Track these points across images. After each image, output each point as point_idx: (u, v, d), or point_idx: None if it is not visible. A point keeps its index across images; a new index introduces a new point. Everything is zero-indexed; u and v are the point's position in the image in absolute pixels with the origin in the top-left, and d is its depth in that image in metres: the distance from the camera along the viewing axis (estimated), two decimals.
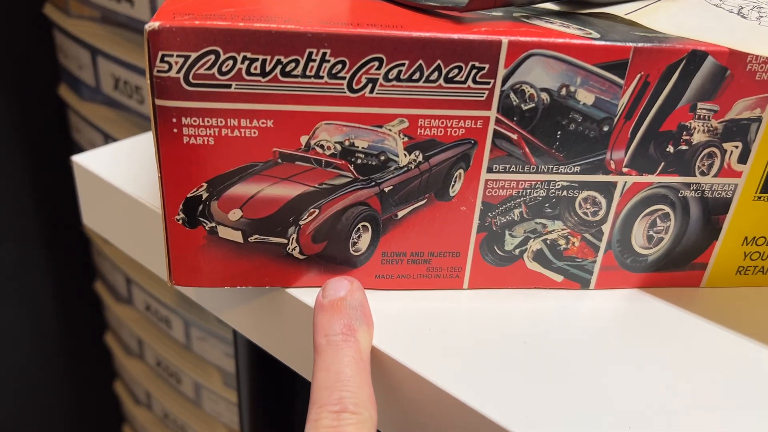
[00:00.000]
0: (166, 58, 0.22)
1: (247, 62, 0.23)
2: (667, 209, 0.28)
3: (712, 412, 0.24)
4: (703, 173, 0.27)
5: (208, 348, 0.63)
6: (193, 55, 0.22)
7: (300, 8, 0.25)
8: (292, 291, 0.28)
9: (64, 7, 0.60)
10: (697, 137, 0.26)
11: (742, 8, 0.28)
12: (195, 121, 0.24)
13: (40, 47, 0.69)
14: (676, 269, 0.29)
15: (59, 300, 0.85)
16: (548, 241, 0.28)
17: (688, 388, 0.25)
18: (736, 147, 0.27)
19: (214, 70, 0.23)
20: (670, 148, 0.26)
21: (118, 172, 0.35)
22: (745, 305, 0.29)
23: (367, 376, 0.24)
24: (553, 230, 0.28)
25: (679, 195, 0.27)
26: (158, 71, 0.23)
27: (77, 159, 0.36)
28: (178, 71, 0.23)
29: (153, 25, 0.22)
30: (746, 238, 0.29)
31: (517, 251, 0.28)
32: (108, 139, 0.61)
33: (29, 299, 0.82)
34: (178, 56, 0.22)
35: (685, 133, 0.26)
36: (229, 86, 0.23)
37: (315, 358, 0.24)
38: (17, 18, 0.67)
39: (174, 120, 0.23)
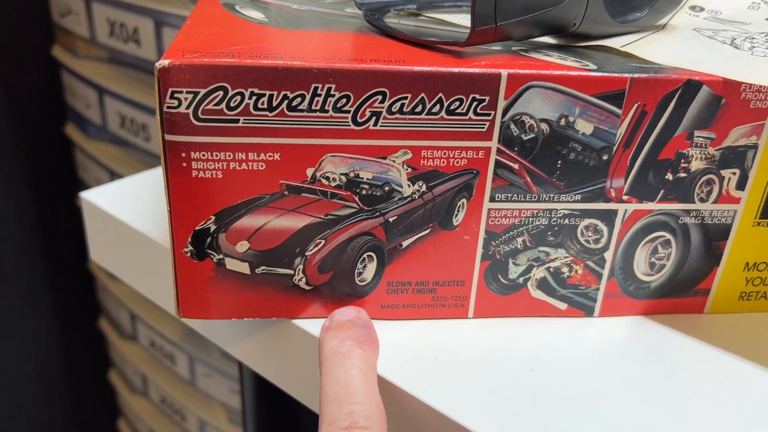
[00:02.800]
0: (176, 95, 0.23)
1: (254, 98, 0.23)
2: (668, 236, 0.28)
3: None
4: (702, 200, 0.28)
5: (213, 384, 0.63)
6: (202, 92, 0.23)
7: (305, 45, 0.26)
8: (298, 322, 0.28)
9: (73, 48, 0.61)
10: (695, 164, 0.27)
11: (735, 39, 0.29)
12: (204, 155, 0.24)
13: (48, 87, 0.70)
14: (679, 296, 0.30)
15: (63, 337, 0.85)
16: (552, 269, 0.28)
17: (693, 415, 0.25)
18: (734, 173, 0.27)
19: (223, 105, 0.23)
20: (669, 176, 0.27)
21: (126, 208, 0.35)
22: (749, 331, 0.29)
23: (375, 387, 0.24)
24: (556, 258, 0.28)
25: (680, 222, 0.28)
26: (168, 107, 0.23)
27: (85, 195, 0.37)
28: (188, 107, 0.23)
29: (163, 63, 0.23)
30: (747, 263, 0.29)
31: (521, 279, 0.28)
32: (114, 176, 0.61)
33: (33, 336, 0.82)
34: (187, 92, 0.23)
35: (683, 160, 0.27)
36: (237, 121, 0.24)
37: (322, 369, 0.24)
38: (26, 58, 0.69)
39: (183, 154, 0.24)
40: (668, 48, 0.28)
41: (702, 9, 0.33)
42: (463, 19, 0.32)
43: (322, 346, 0.25)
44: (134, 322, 0.70)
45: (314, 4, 0.33)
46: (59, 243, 0.79)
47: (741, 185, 0.27)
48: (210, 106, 0.23)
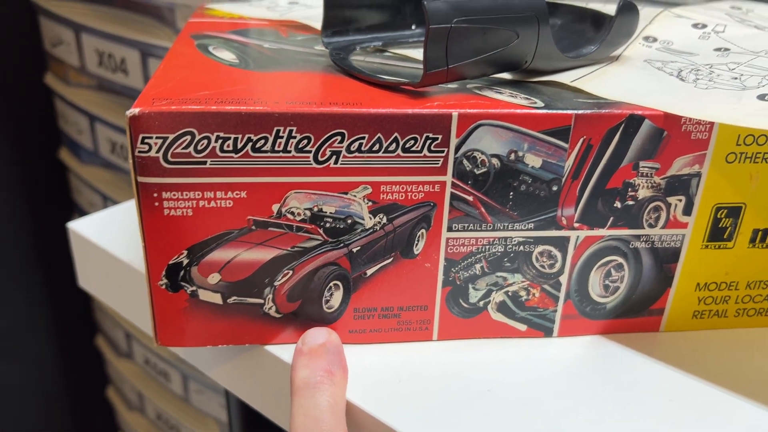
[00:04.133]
0: (146, 140, 0.25)
1: (220, 141, 0.25)
2: (620, 260, 0.30)
3: None
4: (651, 225, 0.29)
5: (206, 400, 0.64)
6: (171, 137, 0.25)
7: (270, 88, 0.27)
8: (270, 348, 0.29)
9: (64, 76, 0.63)
10: (642, 193, 0.28)
11: (681, 71, 0.31)
12: (174, 194, 0.26)
13: (41, 114, 0.72)
14: (635, 315, 0.31)
15: (62, 356, 0.87)
16: (510, 293, 0.30)
17: (643, 431, 0.26)
18: (680, 200, 0.29)
19: (191, 148, 0.25)
20: (618, 204, 0.28)
21: (111, 238, 0.37)
22: (702, 348, 0.31)
23: (343, 421, 0.25)
24: (514, 282, 0.29)
25: (630, 246, 0.29)
26: (139, 152, 0.25)
27: (72, 226, 0.38)
28: (158, 151, 0.25)
29: (133, 111, 0.24)
30: (698, 284, 0.31)
31: (482, 303, 0.30)
32: (107, 200, 0.63)
33: (33, 356, 0.84)
34: (157, 138, 0.25)
35: (630, 189, 0.28)
36: (205, 163, 0.25)
37: (293, 400, 0.26)
38: (20, 86, 0.71)
39: (155, 194, 0.26)
40: (616, 82, 0.30)
41: (655, 39, 0.34)
42: None
43: (294, 373, 0.27)
44: (129, 341, 0.72)
45: (286, 42, 0.35)
46: (56, 264, 0.81)
47: (687, 211, 0.29)
48: (178, 150, 0.25)
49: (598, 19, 0.34)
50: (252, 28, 0.37)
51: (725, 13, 0.38)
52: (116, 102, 0.58)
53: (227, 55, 0.31)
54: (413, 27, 0.36)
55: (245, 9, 0.41)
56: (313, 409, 0.25)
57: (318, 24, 0.37)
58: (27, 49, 0.69)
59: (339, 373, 0.27)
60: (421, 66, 0.32)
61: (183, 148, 0.25)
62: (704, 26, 0.35)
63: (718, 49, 0.32)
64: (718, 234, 0.30)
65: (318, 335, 0.28)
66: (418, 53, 0.34)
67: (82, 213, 0.71)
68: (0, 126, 0.70)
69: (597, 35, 0.32)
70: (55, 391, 0.88)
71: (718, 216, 0.29)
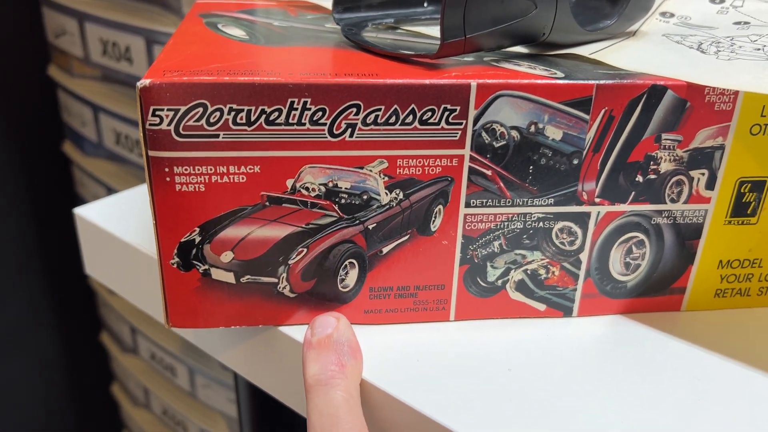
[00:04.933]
0: (157, 112, 0.24)
1: (233, 113, 0.24)
2: (641, 236, 0.29)
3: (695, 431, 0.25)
4: (673, 200, 0.28)
5: (213, 395, 0.64)
6: (183, 109, 0.24)
7: (283, 61, 0.26)
8: (284, 329, 0.29)
9: (68, 67, 0.62)
10: (665, 166, 0.28)
11: (702, 44, 0.30)
12: (186, 169, 0.25)
13: (45, 106, 0.72)
14: (656, 294, 0.30)
15: (66, 352, 0.86)
16: (529, 272, 0.29)
17: (671, 411, 0.25)
18: (703, 174, 0.28)
19: (203, 121, 0.24)
20: (639, 178, 0.28)
21: (118, 223, 0.36)
22: (725, 327, 0.30)
23: (359, 413, 0.24)
24: (533, 260, 0.29)
25: (652, 222, 0.29)
26: (150, 125, 0.24)
27: (79, 211, 0.37)
28: (169, 124, 0.24)
29: (144, 82, 0.24)
30: (721, 261, 0.30)
31: (500, 282, 0.29)
32: (111, 192, 0.62)
33: (38, 352, 0.83)
34: (168, 110, 0.24)
35: (652, 162, 0.27)
36: (217, 136, 0.25)
37: (307, 399, 0.25)
38: (23, 79, 0.70)
39: (166, 169, 0.25)
40: (636, 54, 0.29)
41: (672, 15, 0.34)
42: (439, 32, 0.32)
43: (305, 369, 0.26)
44: (134, 336, 0.71)
45: (296, 20, 0.34)
46: (60, 259, 0.80)
47: (710, 185, 0.28)
48: (190, 123, 0.24)
49: None
50: (259, 8, 0.36)
51: None
52: (121, 92, 0.57)
53: (237, 32, 0.31)
54: (425, 5, 0.35)
55: None
56: (327, 406, 0.24)
57: (327, 4, 0.37)
58: (30, 41, 0.69)
59: (350, 363, 0.26)
60: (435, 42, 0.31)
61: (195, 121, 0.24)
62: (722, 1, 0.34)
63: (738, 23, 0.32)
64: (741, 209, 0.29)
65: (326, 324, 0.27)
66: (431, 30, 0.33)
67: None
68: (3, 119, 0.70)
69: (614, 10, 0.32)
70: (60, 387, 0.87)
71: (742, 191, 0.29)
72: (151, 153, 0.25)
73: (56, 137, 0.74)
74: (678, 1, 0.35)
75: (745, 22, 0.32)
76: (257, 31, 0.31)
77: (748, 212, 0.29)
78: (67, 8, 0.57)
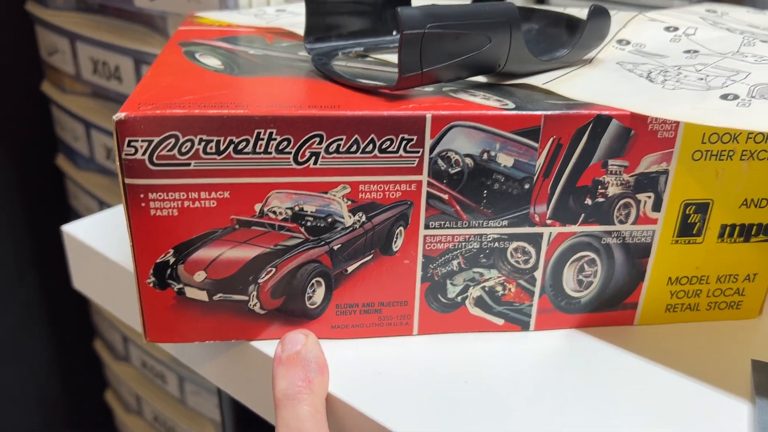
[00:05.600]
0: (132, 143, 0.26)
1: (203, 143, 0.26)
2: (592, 255, 0.31)
3: None
4: (621, 222, 0.30)
5: (202, 402, 0.65)
6: (156, 140, 0.26)
7: (253, 92, 0.28)
8: (255, 344, 0.30)
9: (60, 84, 0.64)
10: (612, 190, 0.29)
11: (651, 72, 0.32)
12: (160, 195, 0.27)
13: (39, 121, 0.74)
14: (609, 309, 0.32)
15: (60, 360, 0.88)
16: (487, 288, 0.31)
17: (622, 422, 0.27)
18: (649, 197, 0.30)
19: (175, 151, 0.26)
20: (588, 201, 0.29)
21: (103, 240, 0.38)
22: (674, 340, 0.32)
23: (325, 427, 0.26)
24: (490, 278, 0.30)
25: (602, 242, 0.30)
26: (126, 154, 0.26)
27: (66, 228, 0.39)
28: (143, 153, 0.26)
29: (120, 115, 0.25)
30: (670, 278, 0.32)
31: (459, 298, 0.31)
32: (102, 204, 0.64)
33: (31, 361, 0.85)
34: (142, 141, 0.26)
35: (600, 186, 0.29)
36: (189, 164, 0.26)
37: (276, 413, 0.27)
38: (18, 95, 0.72)
39: (142, 195, 0.27)
40: (587, 83, 0.31)
41: (628, 42, 0.36)
42: None
43: (274, 384, 0.28)
44: (126, 344, 0.73)
45: (271, 48, 0.36)
46: (54, 269, 0.82)
47: (657, 207, 0.30)
48: (163, 152, 0.26)
49: (572, 24, 0.35)
50: (239, 35, 0.38)
51: (699, 16, 0.39)
52: (111, 109, 0.59)
53: (213, 62, 0.32)
54: (394, 33, 0.37)
55: (234, 17, 0.42)
56: (294, 420, 0.26)
57: (303, 31, 0.38)
58: (24, 58, 0.71)
59: (317, 379, 0.28)
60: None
61: (168, 151, 0.26)
62: (676, 29, 0.36)
63: (688, 51, 0.34)
64: (687, 229, 0.31)
65: (295, 341, 0.29)
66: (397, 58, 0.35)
67: (79, 218, 0.72)
68: None
69: (570, 39, 0.34)
70: (54, 395, 0.89)
71: (687, 212, 0.30)
72: (127, 180, 0.26)
73: (50, 151, 0.76)
74: (635, 29, 0.37)
75: (695, 51, 0.34)
76: (232, 60, 0.33)
77: (694, 232, 0.31)
78: (59, 28, 0.59)
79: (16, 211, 0.76)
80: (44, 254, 0.81)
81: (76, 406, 0.91)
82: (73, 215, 0.75)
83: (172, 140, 0.26)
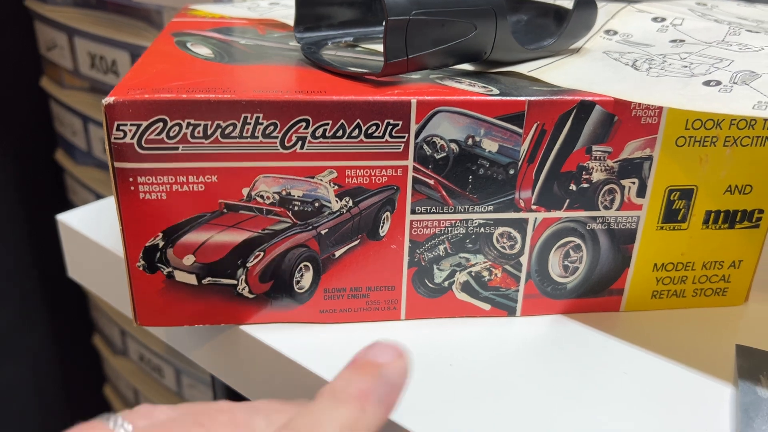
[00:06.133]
0: (121, 127, 0.26)
1: (191, 127, 0.27)
2: (577, 241, 0.31)
3: (628, 425, 0.27)
4: (606, 207, 0.30)
5: (198, 394, 0.66)
6: (144, 124, 0.26)
7: (241, 78, 0.29)
8: (244, 328, 0.31)
9: (59, 79, 0.64)
10: (596, 176, 0.30)
11: (636, 61, 0.32)
12: (149, 179, 0.27)
13: (38, 116, 0.74)
14: (595, 295, 0.32)
15: (59, 355, 0.88)
16: (473, 273, 0.31)
17: (595, 403, 0.27)
18: (633, 183, 0.30)
19: (163, 135, 0.27)
20: (573, 187, 0.30)
21: (97, 228, 0.38)
22: (659, 326, 0.32)
23: None
24: (476, 263, 0.31)
25: (587, 228, 0.31)
26: (115, 138, 0.26)
27: (61, 217, 0.40)
28: (132, 137, 0.26)
29: (108, 99, 0.26)
30: (656, 264, 0.32)
31: (446, 283, 0.31)
32: (100, 198, 0.65)
33: (31, 355, 0.85)
34: (131, 125, 0.26)
35: (584, 172, 0.29)
36: (177, 148, 0.27)
37: (305, 407, 0.21)
38: (17, 90, 0.73)
39: (131, 179, 0.27)
40: (572, 71, 0.31)
41: (616, 32, 0.36)
42: None
43: (330, 383, 0.22)
44: (124, 338, 0.74)
45: (262, 39, 0.36)
46: (53, 264, 0.82)
47: (641, 193, 0.30)
48: (152, 136, 0.27)
49: (559, 14, 0.35)
50: (232, 26, 0.38)
51: (688, 8, 0.40)
52: None
53: (204, 51, 0.33)
54: (383, 23, 0.37)
55: (227, 9, 0.43)
56: (316, 426, 0.20)
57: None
58: (23, 54, 0.71)
59: (376, 408, 0.21)
60: None
61: (156, 135, 0.27)
62: (663, 20, 0.36)
63: (674, 41, 0.34)
64: (672, 216, 0.31)
65: (385, 351, 0.22)
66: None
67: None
68: None
69: (557, 29, 0.34)
70: (54, 389, 0.89)
71: (671, 198, 0.31)
72: (117, 164, 0.27)
73: (49, 146, 0.76)
74: (622, 19, 0.37)
75: (681, 40, 0.34)
76: (223, 49, 0.33)
77: (679, 218, 0.31)
78: (57, 23, 0.60)
79: (15, 206, 0.77)
80: (43, 249, 0.82)
81: (75, 400, 0.92)
82: (71, 209, 0.76)
83: (161, 124, 0.26)
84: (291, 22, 0.39)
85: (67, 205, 0.78)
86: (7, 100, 0.72)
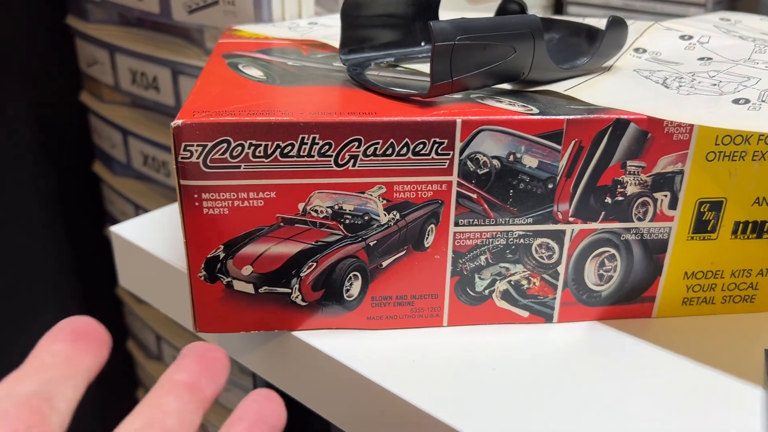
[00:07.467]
0: (188, 148, 0.28)
1: (252, 147, 0.29)
2: (612, 251, 0.33)
3: (659, 426, 0.28)
4: (639, 219, 0.32)
5: (232, 398, 0.68)
6: (209, 144, 0.28)
7: (295, 100, 0.31)
8: (297, 334, 0.33)
9: (99, 94, 0.67)
10: (630, 189, 0.31)
11: (666, 79, 0.34)
12: (212, 195, 0.29)
13: (77, 129, 0.77)
14: (628, 302, 0.34)
15: None
16: (512, 282, 0.33)
17: (640, 407, 0.29)
18: (666, 196, 0.32)
19: (227, 155, 0.29)
20: (608, 200, 0.31)
21: (149, 239, 0.40)
22: (691, 332, 0.34)
23: None
24: (516, 272, 0.33)
25: (621, 238, 0.32)
26: (182, 158, 0.28)
27: (114, 229, 0.42)
28: (198, 157, 0.28)
29: (177, 122, 0.28)
30: (686, 272, 0.34)
31: (487, 292, 0.33)
32: (138, 209, 0.67)
33: None
34: (197, 146, 0.28)
35: (619, 186, 0.31)
36: (239, 167, 0.29)
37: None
38: (58, 104, 0.75)
39: (196, 196, 0.29)
40: (606, 90, 0.33)
41: (645, 50, 0.38)
42: None
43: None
44: (159, 343, 0.76)
45: (307, 59, 0.38)
46: (90, 271, 0.85)
47: (673, 205, 0.32)
48: (216, 156, 0.29)
49: (591, 34, 0.37)
50: (276, 47, 0.41)
51: (713, 24, 0.41)
52: (148, 117, 0.62)
53: (256, 72, 0.35)
54: (422, 44, 0.39)
55: (269, 29, 0.45)
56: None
57: (336, 42, 0.41)
58: (64, 70, 0.74)
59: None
60: (429, 79, 0.35)
61: (220, 155, 0.29)
62: (690, 38, 0.38)
63: (702, 59, 0.36)
64: (702, 226, 0.33)
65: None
66: (426, 67, 0.37)
67: (115, 222, 0.75)
68: (38, 141, 0.75)
69: (590, 48, 0.36)
70: (89, 393, 0.92)
71: (702, 210, 0.32)
72: (183, 182, 0.29)
73: (87, 158, 0.79)
74: (651, 37, 0.39)
75: (708, 58, 0.35)
76: (273, 71, 0.35)
77: (709, 229, 0.33)
78: (99, 41, 0.62)
79: (54, 216, 0.79)
80: (81, 257, 0.84)
81: (109, 404, 0.94)
82: (108, 219, 0.78)
83: (224, 145, 0.28)
84: (331, 42, 0.41)
85: (105, 215, 0.80)
86: (49, 113, 0.75)
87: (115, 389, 0.94)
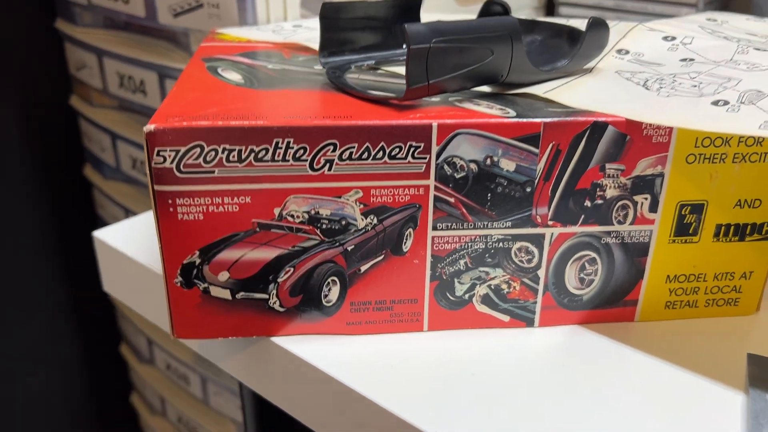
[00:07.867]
0: (161, 153, 0.28)
1: (226, 152, 0.28)
2: (593, 254, 0.32)
3: (641, 430, 0.28)
4: (620, 222, 0.32)
5: (224, 402, 0.67)
6: (183, 149, 0.28)
7: (272, 104, 0.30)
8: (275, 339, 0.32)
9: (88, 98, 0.67)
10: (610, 192, 0.31)
11: (647, 81, 0.33)
12: (187, 201, 0.29)
13: (67, 133, 0.77)
14: (610, 306, 0.34)
15: (87, 364, 0.91)
16: (492, 286, 0.32)
17: (622, 413, 0.29)
18: (646, 199, 0.31)
19: (200, 159, 0.28)
20: (588, 203, 0.31)
21: (132, 245, 0.40)
22: (674, 336, 0.33)
23: None
24: (496, 276, 0.32)
25: (602, 242, 0.32)
26: (155, 163, 0.28)
27: (97, 234, 0.42)
28: (171, 162, 0.28)
29: (150, 127, 0.28)
30: (669, 276, 0.33)
31: (467, 296, 0.33)
32: (128, 213, 0.67)
33: (59, 365, 0.88)
34: (170, 150, 0.28)
35: (598, 189, 0.31)
36: (213, 172, 0.29)
37: None
38: (48, 108, 0.75)
39: (170, 201, 0.29)
40: (586, 92, 0.32)
41: (627, 52, 0.37)
42: None
43: None
44: (151, 347, 0.76)
45: (288, 63, 0.38)
46: (82, 276, 0.85)
47: (653, 208, 0.32)
48: (190, 161, 0.28)
49: (573, 35, 0.37)
50: (258, 50, 0.40)
51: (698, 25, 0.41)
52: (136, 120, 0.62)
53: (234, 76, 0.35)
54: (403, 46, 0.39)
55: (253, 33, 0.45)
56: None
57: (318, 45, 0.41)
58: (53, 74, 0.74)
59: None
60: None
61: (194, 159, 0.28)
62: (673, 38, 0.38)
63: (684, 60, 0.35)
64: (683, 229, 0.32)
65: None
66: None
67: (106, 225, 0.75)
68: (29, 145, 0.75)
69: (571, 50, 0.35)
70: (82, 398, 0.92)
71: (683, 213, 0.32)
72: (157, 187, 0.29)
73: (78, 161, 0.79)
74: (634, 39, 0.38)
75: (690, 59, 0.35)
76: (252, 74, 0.35)
77: (690, 232, 0.32)
78: (87, 45, 0.62)
79: (45, 219, 0.79)
80: (72, 261, 0.84)
81: (103, 409, 0.94)
82: (100, 223, 0.78)
83: (198, 150, 0.28)
84: (314, 44, 0.41)
85: (96, 218, 0.80)
86: (39, 117, 0.75)
87: (109, 393, 0.94)
